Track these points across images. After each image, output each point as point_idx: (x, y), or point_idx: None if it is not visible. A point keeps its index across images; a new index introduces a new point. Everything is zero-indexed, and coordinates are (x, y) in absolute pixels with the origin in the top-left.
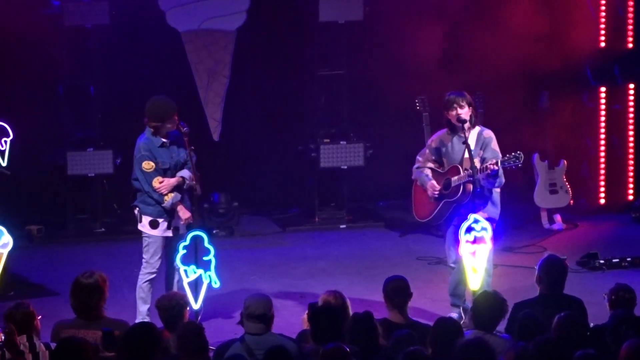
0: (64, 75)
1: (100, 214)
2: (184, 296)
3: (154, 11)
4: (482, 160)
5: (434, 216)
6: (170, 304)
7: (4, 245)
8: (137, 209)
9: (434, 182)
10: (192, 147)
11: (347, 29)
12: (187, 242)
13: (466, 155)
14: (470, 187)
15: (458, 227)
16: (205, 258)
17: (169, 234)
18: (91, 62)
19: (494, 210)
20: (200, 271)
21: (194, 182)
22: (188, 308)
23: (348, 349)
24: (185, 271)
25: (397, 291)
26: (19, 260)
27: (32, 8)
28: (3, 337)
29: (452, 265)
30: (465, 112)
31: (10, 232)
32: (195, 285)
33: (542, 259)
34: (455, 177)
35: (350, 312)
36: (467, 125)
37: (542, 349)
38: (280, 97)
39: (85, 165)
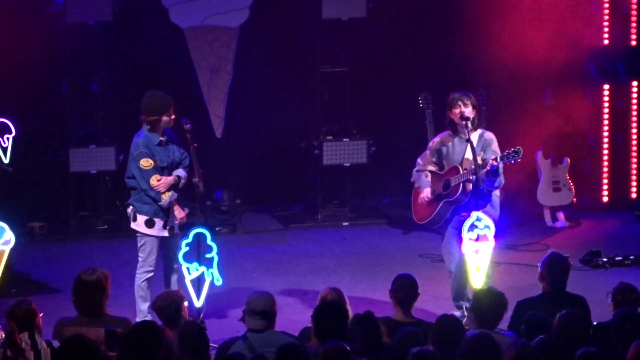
0: (66, 71)
1: (102, 211)
2: (178, 291)
3: (156, 8)
4: (482, 164)
5: (434, 217)
6: (165, 304)
7: (6, 243)
8: (131, 207)
9: (429, 189)
10: (195, 145)
11: (350, 26)
12: (189, 240)
13: (466, 155)
14: (470, 186)
15: (457, 229)
16: (207, 255)
17: (165, 233)
18: (94, 58)
19: (493, 212)
20: (202, 268)
21: (196, 180)
22: (186, 302)
23: (348, 347)
24: (188, 268)
25: (401, 286)
26: (21, 258)
27: (35, 4)
28: (4, 335)
29: (451, 270)
30: (469, 111)
31: (12, 229)
32: (198, 282)
33: (545, 256)
34: (455, 177)
35: (349, 309)
36: (469, 122)
37: (544, 347)
38: (283, 94)
39: (87, 162)
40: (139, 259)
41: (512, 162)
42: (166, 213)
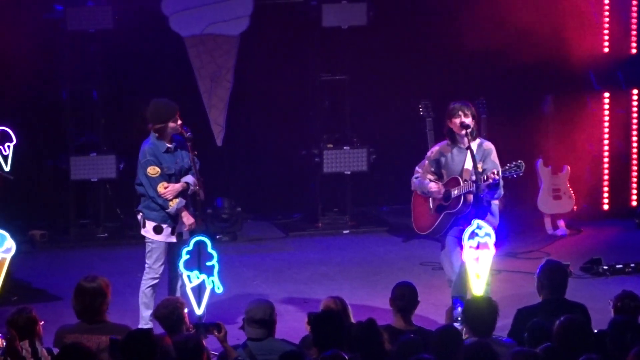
0: (67, 79)
1: (103, 218)
2: (179, 299)
3: (157, 16)
4: (482, 172)
5: (435, 228)
6: (167, 312)
7: (7, 250)
8: (141, 214)
9: (434, 184)
10: (196, 152)
11: (351, 34)
12: (190, 247)
13: (466, 166)
14: (471, 197)
15: (457, 237)
16: (208, 263)
17: (173, 239)
18: (94, 66)
19: (493, 220)
20: (203, 276)
21: (197, 188)
22: (186, 310)
23: (347, 357)
24: (189, 276)
25: (401, 294)
26: (21, 265)
27: (35, 13)
28: (5, 343)
29: (451, 279)
30: (469, 121)
31: (13, 236)
32: (199, 290)
33: (541, 265)
34: (456, 189)
35: (352, 318)
36: (468, 130)
37: (547, 354)
38: (283, 102)
39: (88, 170)
40: (146, 265)
41: (515, 176)
42: (174, 220)
